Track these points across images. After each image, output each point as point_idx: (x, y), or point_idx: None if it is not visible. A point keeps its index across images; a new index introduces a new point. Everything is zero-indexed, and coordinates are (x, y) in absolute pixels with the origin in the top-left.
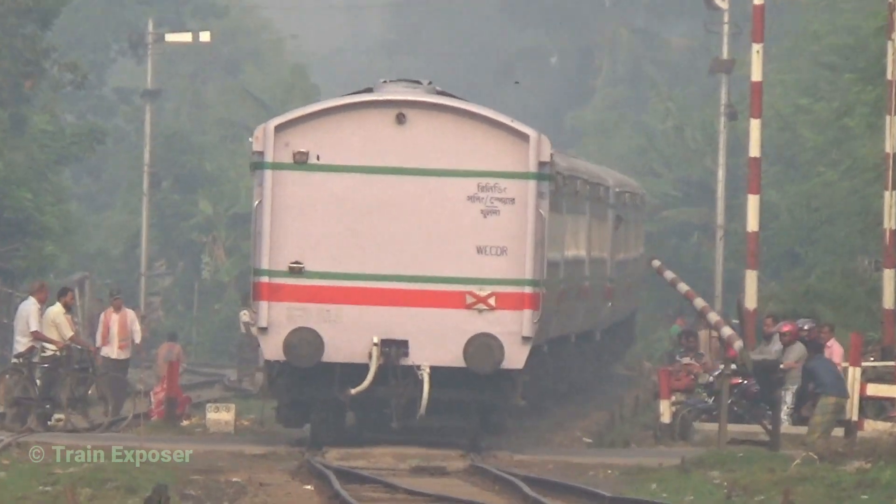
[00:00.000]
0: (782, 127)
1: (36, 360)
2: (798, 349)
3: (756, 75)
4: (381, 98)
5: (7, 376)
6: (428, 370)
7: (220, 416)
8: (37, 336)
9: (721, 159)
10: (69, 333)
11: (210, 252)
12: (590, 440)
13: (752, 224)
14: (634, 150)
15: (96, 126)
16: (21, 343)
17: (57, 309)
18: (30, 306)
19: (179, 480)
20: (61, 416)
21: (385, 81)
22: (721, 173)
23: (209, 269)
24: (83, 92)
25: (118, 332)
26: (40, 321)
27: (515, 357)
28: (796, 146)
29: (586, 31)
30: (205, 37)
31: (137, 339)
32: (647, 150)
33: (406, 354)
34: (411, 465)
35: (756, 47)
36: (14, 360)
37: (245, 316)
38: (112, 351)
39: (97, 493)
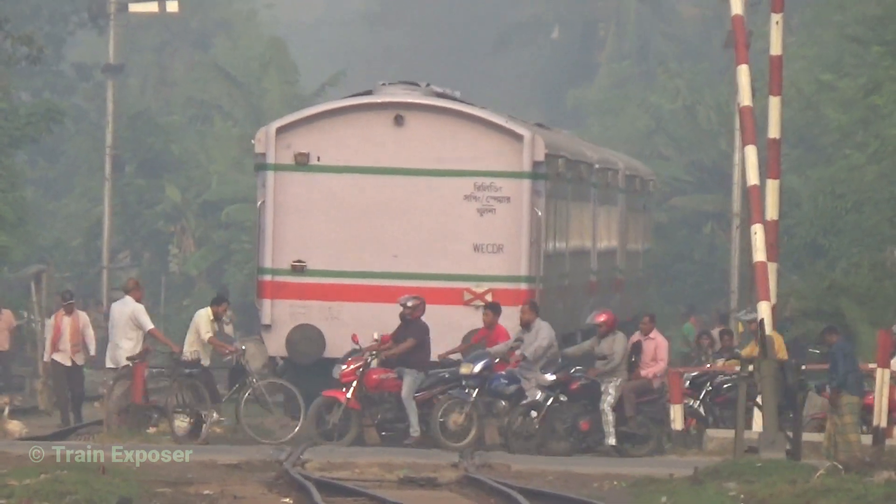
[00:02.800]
0: (804, 106)
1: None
2: (621, 340)
3: (775, 49)
4: (379, 100)
5: (120, 382)
6: None
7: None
8: (155, 334)
9: (737, 141)
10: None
11: (178, 243)
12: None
13: (772, 212)
14: (642, 131)
15: (53, 105)
16: (124, 348)
17: (206, 314)
18: (135, 305)
19: (145, 493)
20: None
21: (384, 84)
22: (737, 157)
23: (177, 262)
24: (39, 67)
25: (70, 336)
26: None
27: None
28: (819, 127)
29: (589, 0)
30: (172, 7)
31: (91, 346)
32: (655, 131)
33: None
34: (399, 475)
35: (775, 18)
36: (128, 363)
37: None
38: (65, 358)
39: None
